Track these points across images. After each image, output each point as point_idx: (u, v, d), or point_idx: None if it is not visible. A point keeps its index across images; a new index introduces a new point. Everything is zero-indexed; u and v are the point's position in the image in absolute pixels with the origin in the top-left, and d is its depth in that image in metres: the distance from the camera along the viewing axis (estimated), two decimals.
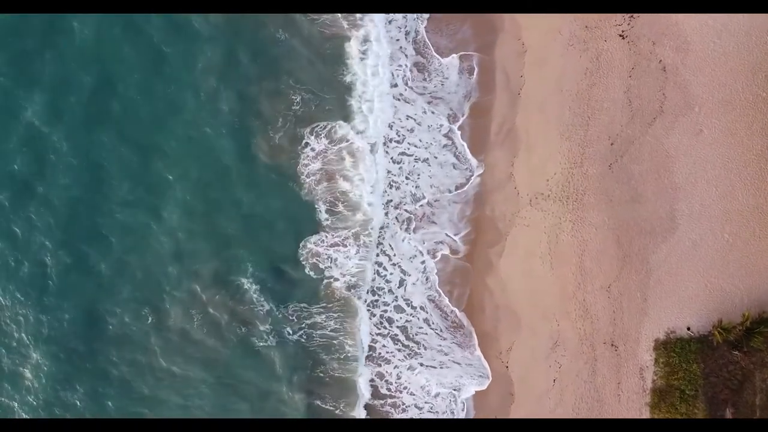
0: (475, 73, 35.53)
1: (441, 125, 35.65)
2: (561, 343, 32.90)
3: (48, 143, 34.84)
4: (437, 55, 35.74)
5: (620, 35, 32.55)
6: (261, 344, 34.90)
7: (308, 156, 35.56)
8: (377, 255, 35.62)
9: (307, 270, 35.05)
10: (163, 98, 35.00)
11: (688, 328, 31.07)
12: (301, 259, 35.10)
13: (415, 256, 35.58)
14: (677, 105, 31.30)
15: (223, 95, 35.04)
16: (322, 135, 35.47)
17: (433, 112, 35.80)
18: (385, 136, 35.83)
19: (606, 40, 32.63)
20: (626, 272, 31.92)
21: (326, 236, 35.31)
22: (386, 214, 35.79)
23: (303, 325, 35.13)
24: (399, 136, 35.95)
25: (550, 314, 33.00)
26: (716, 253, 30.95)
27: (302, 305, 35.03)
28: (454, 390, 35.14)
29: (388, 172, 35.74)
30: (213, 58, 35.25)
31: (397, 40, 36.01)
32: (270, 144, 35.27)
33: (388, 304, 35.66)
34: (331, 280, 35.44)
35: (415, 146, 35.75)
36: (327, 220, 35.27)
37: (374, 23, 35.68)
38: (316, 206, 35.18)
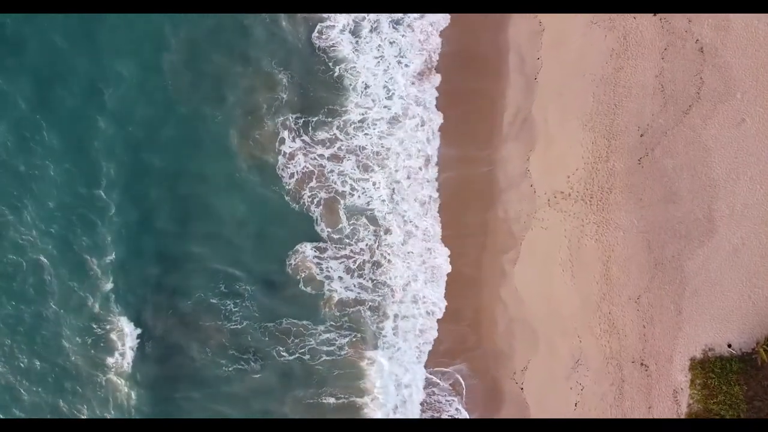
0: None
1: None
2: (583, 362, 31.05)
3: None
4: None
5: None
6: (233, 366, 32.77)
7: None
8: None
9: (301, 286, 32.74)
10: (136, 86, 32.26)
11: (729, 345, 29.39)
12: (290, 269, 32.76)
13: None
14: (716, 91, 29.10)
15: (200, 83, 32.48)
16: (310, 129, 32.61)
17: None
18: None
19: (635, 17, 29.98)
20: (658, 281, 30.02)
21: (324, 246, 32.77)
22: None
23: (298, 346, 33.04)
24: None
25: (571, 329, 31.14)
26: (760, 260, 28.96)
27: (302, 323, 32.96)
28: None
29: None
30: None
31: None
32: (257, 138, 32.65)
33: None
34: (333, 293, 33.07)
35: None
36: (324, 231, 32.82)
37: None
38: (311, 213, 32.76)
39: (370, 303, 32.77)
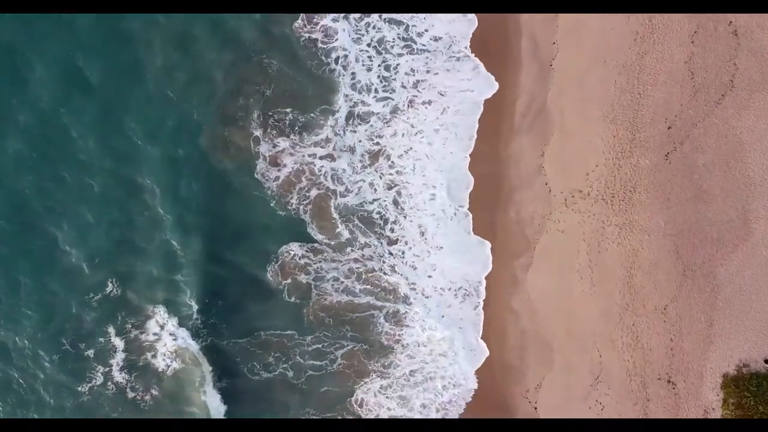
0: None
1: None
2: (604, 379, 29.92)
3: None
4: None
5: None
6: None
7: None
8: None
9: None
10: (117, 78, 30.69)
11: (766, 361, 28.33)
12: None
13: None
14: (752, 78, 27.96)
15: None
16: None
17: None
18: None
19: None
20: (687, 290, 28.87)
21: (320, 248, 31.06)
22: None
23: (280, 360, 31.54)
24: None
25: (590, 343, 30.12)
26: None
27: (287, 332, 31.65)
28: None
29: None
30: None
31: None
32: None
33: None
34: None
35: None
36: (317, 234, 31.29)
37: None
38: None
39: (386, 309, 31.10)
